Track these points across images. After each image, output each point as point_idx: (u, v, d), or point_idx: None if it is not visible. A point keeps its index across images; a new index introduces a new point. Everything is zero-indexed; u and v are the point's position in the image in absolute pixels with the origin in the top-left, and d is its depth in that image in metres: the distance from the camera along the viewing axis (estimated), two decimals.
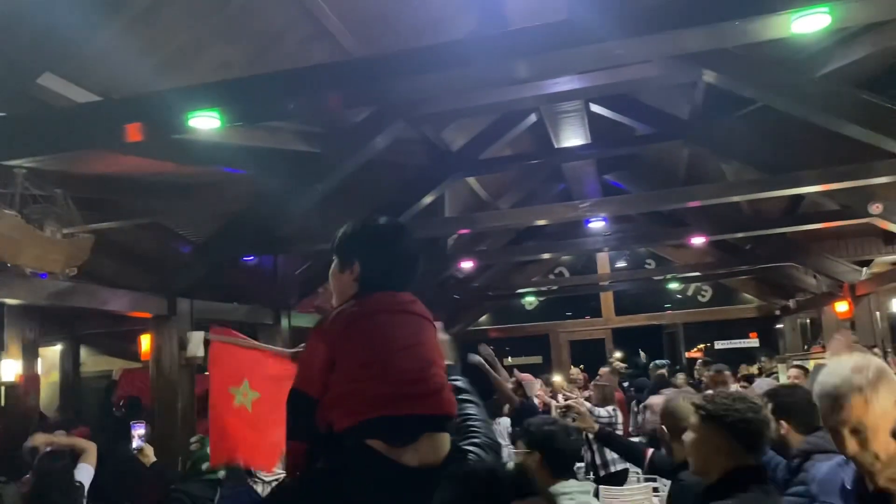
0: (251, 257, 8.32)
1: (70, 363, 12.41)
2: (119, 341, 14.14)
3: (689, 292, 15.25)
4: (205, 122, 3.25)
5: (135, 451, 4.58)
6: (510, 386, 7.60)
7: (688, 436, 2.57)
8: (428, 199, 8.01)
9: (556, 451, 3.09)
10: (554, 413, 6.38)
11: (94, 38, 4.00)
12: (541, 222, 6.17)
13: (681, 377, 10.01)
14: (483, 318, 16.21)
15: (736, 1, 2.83)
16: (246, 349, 4.65)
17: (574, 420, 4.35)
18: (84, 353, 13.11)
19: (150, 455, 4.56)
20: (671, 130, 7.52)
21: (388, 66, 3.12)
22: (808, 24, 2.80)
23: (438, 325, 2.16)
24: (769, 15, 2.77)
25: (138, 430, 4.68)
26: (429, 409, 1.94)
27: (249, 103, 3.16)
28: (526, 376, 7.85)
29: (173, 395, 6.31)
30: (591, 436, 5.16)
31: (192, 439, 4.25)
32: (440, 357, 2.07)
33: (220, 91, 3.18)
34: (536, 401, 7.67)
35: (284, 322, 8.17)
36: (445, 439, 1.97)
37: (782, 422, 3.14)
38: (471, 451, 2.05)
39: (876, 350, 7.70)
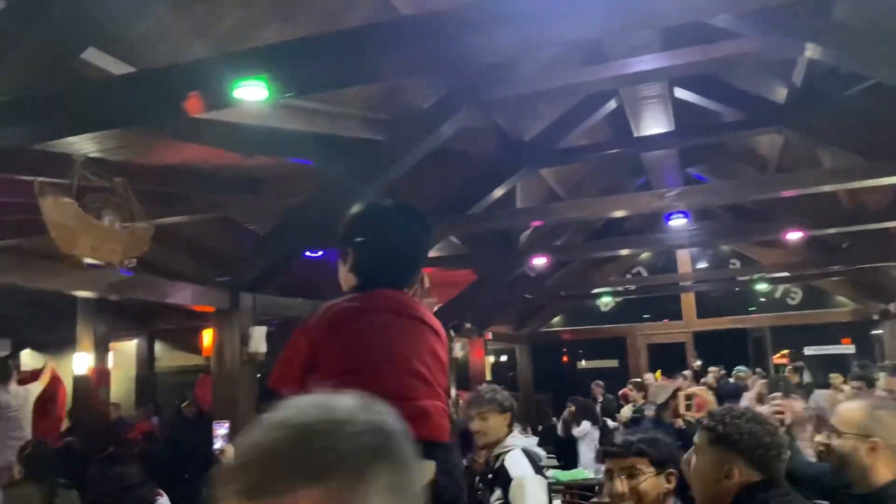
0: (317, 252, 8.10)
1: (145, 358, 12.54)
2: (192, 337, 14.29)
3: (777, 294, 14.37)
4: (251, 93, 2.97)
5: (216, 452, 4.35)
6: None
7: (692, 458, 2.19)
8: (499, 193, 7.63)
9: None
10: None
11: (144, 14, 3.78)
12: (619, 213, 5.66)
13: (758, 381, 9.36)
14: (556, 319, 15.71)
15: None
16: None
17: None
18: (159, 348, 13.25)
19: (231, 456, 4.32)
20: (765, 116, 6.92)
21: (446, 24, 2.76)
22: None
23: (442, 330, 1.91)
24: None
25: (221, 430, 4.44)
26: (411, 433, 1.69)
27: (298, 68, 2.85)
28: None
29: (234, 391, 6.10)
30: None
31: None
32: (442, 375, 1.83)
33: (267, 55, 2.88)
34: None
35: None
36: (429, 468, 1.70)
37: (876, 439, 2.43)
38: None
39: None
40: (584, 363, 16.85)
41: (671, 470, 2.24)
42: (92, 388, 8.74)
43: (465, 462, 5.43)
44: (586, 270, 13.61)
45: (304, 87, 3.16)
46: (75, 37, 3.36)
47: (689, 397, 4.02)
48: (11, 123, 3.18)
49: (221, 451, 4.32)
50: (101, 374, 8.89)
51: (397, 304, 1.82)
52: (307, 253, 9.46)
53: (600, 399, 11.68)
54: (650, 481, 2.21)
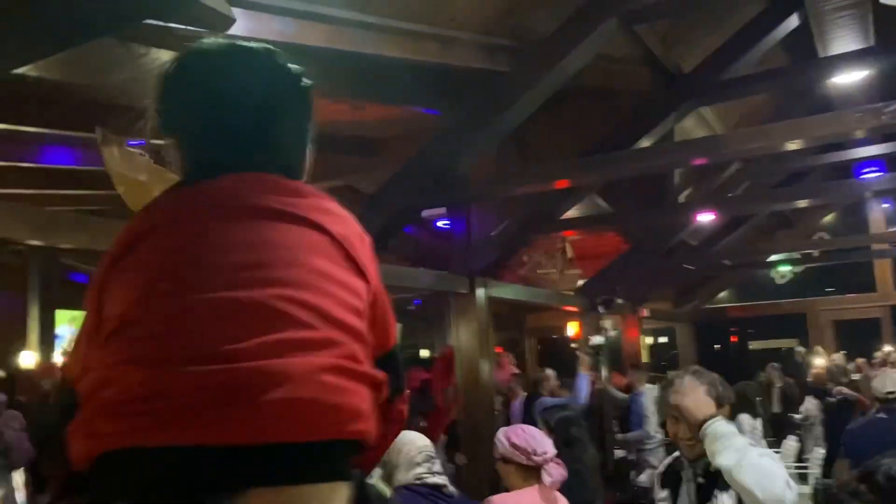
0: (443, 218, 7.25)
1: None
2: None
3: None
4: None
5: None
6: None
7: None
8: (646, 143, 6.38)
9: None
10: None
11: None
12: (795, 144, 4.25)
13: None
14: (722, 294, 14.04)
15: None
16: None
17: None
18: None
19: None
20: None
21: None
22: None
23: (357, 238, 1.09)
24: None
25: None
26: (251, 434, 0.87)
27: None
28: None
29: None
30: None
31: None
32: (340, 306, 1.00)
33: None
34: None
35: (480, 292, 6.98)
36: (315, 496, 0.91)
37: None
38: None
39: None
40: (756, 343, 15.10)
41: None
42: None
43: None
44: (756, 238, 11.90)
45: None
46: None
47: None
48: None
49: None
50: None
51: (233, 196, 1.04)
52: (438, 223, 8.66)
53: (778, 384, 10.14)
54: None
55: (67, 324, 11.84)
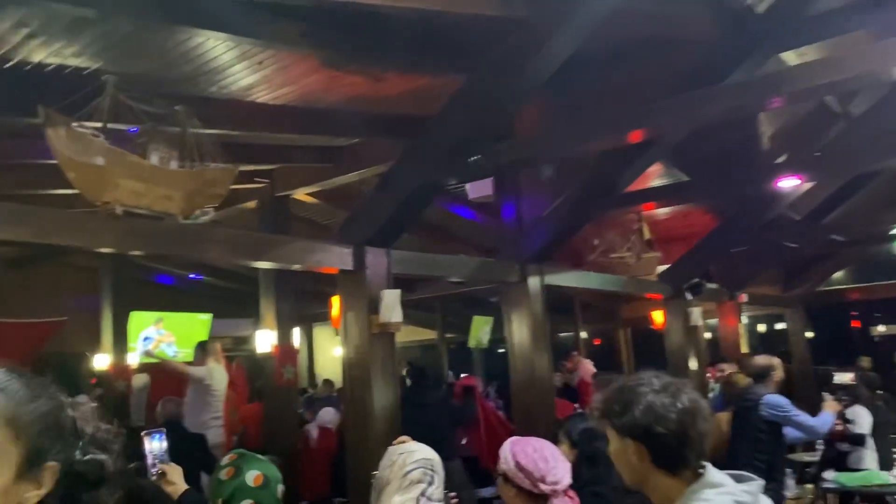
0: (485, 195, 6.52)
1: None
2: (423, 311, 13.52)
3: None
4: None
5: (152, 477, 2.84)
6: None
7: None
8: None
9: None
10: None
11: None
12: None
13: None
14: (839, 274, 12.57)
15: None
16: None
17: None
18: None
19: (178, 482, 2.84)
20: None
21: None
22: None
23: None
24: None
25: (154, 443, 2.85)
26: None
27: None
28: None
29: (364, 374, 4.75)
30: None
31: (225, 460, 2.49)
32: None
33: None
34: None
35: (533, 280, 6.24)
36: None
37: None
38: None
39: None
40: (882, 328, 13.54)
41: None
42: (276, 367, 7.99)
43: None
44: (873, 208, 10.43)
45: None
46: None
47: None
48: None
49: (161, 473, 2.79)
50: (286, 352, 8.12)
51: None
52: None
53: None
54: None
55: (154, 325, 11.86)
